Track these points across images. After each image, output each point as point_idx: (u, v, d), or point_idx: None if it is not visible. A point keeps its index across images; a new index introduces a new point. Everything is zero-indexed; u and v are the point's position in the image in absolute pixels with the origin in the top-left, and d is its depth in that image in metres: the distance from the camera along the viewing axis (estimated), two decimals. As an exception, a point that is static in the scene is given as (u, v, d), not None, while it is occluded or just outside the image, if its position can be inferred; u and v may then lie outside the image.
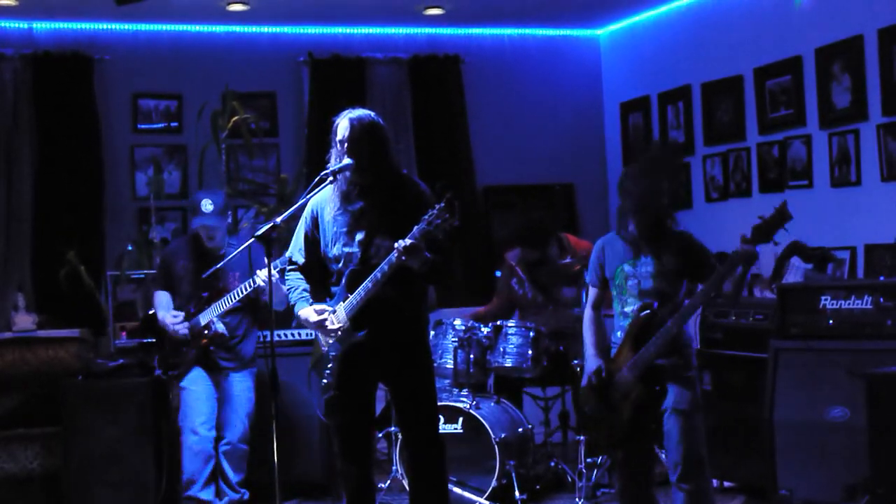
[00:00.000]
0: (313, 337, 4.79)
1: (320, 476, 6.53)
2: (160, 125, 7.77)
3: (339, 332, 4.51)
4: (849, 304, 5.34)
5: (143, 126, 7.74)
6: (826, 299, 5.41)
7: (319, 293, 4.68)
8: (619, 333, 4.67)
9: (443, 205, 4.17)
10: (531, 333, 6.19)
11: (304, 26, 8.01)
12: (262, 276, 5.29)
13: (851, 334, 5.28)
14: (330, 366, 4.58)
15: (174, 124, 7.78)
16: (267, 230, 4.36)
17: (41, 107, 7.39)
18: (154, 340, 5.92)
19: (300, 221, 4.72)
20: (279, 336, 6.57)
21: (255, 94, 7.82)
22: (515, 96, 8.49)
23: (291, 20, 7.89)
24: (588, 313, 4.83)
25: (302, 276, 4.69)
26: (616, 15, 8.25)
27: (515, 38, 8.53)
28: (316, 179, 4.53)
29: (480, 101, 8.35)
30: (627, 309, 4.62)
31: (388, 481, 6.27)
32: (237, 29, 7.89)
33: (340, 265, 4.55)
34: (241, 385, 5.81)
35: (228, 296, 5.60)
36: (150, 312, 5.92)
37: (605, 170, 8.71)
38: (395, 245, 4.23)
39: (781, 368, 5.48)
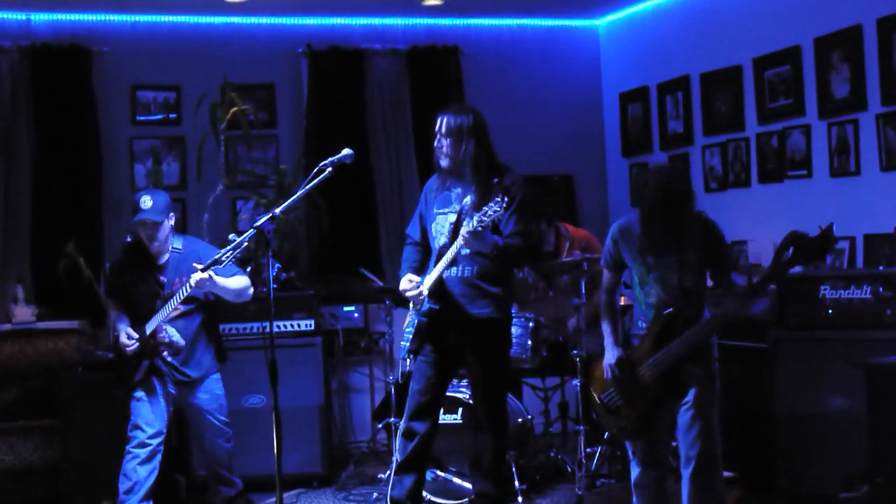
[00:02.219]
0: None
1: (321, 467, 6.55)
2: (159, 117, 7.75)
3: (418, 298, 4.90)
4: (848, 293, 5.34)
5: (141, 118, 7.72)
6: (825, 289, 5.42)
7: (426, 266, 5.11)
8: (640, 324, 4.66)
9: (499, 197, 4.52)
10: (530, 324, 6.20)
11: (302, 17, 7.99)
12: (197, 271, 5.05)
13: (850, 324, 5.29)
14: (409, 329, 4.98)
15: (173, 116, 7.76)
16: (265, 221, 4.37)
17: (39, 99, 7.38)
18: (112, 359, 5.66)
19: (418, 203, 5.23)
20: (279, 327, 6.58)
21: (253, 85, 7.80)
22: (514, 87, 8.48)
23: (290, 11, 7.88)
24: (604, 298, 4.85)
25: (416, 250, 5.17)
26: (615, 5, 8.23)
27: (514, 28, 8.51)
28: (315, 170, 4.55)
29: (479, 92, 8.33)
30: (651, 300, 4.61)
31: (389, 472, 6.28)
32: (235, 20, 7.87)
33: (436, 244, 4.97)
34: (210, 395, 5.56)
35: (172, 299, 5.30)
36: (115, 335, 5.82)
37: (605, 160, 8.70)
38: (461, 232, 4.62)
39: (781, 359, 5.49)
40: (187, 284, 5.17)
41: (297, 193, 4.62)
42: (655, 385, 4.52)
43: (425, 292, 4.87)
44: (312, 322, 6.71)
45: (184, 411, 5.64)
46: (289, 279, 6.92)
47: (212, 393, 5.58)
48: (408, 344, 4.96)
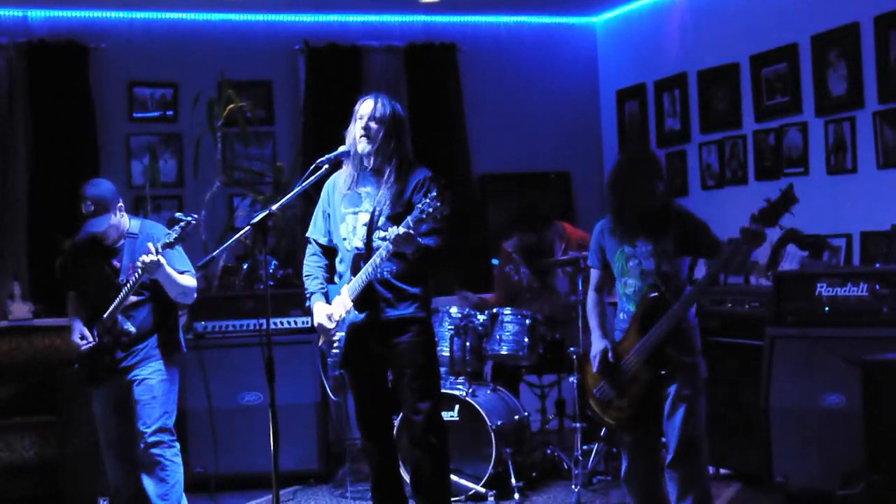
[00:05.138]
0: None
1: (317, 464, 6.55)
2: (156, 114, 7.75)
3: (335, 336, 4.65)
4: (844, 291, 5.34)
5: (138, 115, 7.72)
6: (822, 287, 5.42)
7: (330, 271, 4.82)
8: (622, 315, 4.67)
9: (434, 193, 4.27)
10: (527, 321, 6.21)
11: (299, 14, 7.99)
12: (143, 257, 4.75)
13: (847, 321, 5.29)
14: (336, 346, 4.67)
15: (170, 113, 7.76)
16: (262, 218, 4.36)
17: (36, 96, 7.37)
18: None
19: (318, 202, 4.83)
20: (276, 324, 6.58)
21: (250, 82, 7.80)
22: (511, 84, 8.48)
23: (287, 8, 7.88)
24: (591, 296, 4.86)
25: (321, 261, 4.81)
26: (612, 2, 8.23)
27: (511, 25, 8.51)
28: (311, 167, 4.56)
29: (476, 89, 8.34)
30: (629, 291, 4.62)
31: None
32: (233, 17, 7.87)
33: (346, 245, 4.68)
34: (143, 387, 5.04)
35: (126, 288, 4.95)
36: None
37: (602, 158, 8.70)
38: (388, 234, 4.33)
39: (777, 356, 5.48)
40: (139, 269, 4.85)
41: (294, 190, 4.61)
42: (642, 372, 4.53)
43: (348, 306, 4.60)
44: (309, 319, 6.69)
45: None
46: (285, 276, 6.91)
47: (146, 385, 5.05)
48: (334, 360, 4.72)
